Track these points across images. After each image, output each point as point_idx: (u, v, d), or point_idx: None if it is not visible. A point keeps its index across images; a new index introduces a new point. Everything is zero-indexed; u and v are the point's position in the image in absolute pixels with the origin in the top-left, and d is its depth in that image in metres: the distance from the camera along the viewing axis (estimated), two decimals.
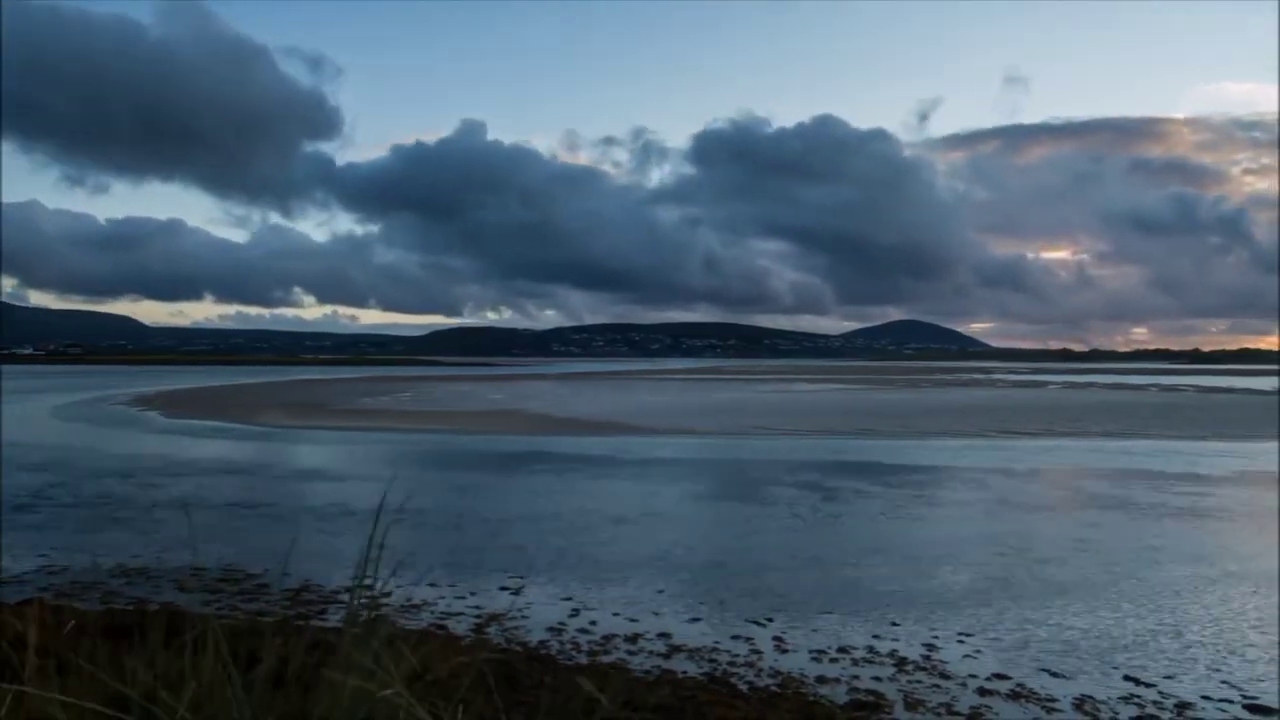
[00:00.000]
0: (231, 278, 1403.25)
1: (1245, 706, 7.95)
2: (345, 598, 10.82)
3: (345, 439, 33.14)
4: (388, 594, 10.90)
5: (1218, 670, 8.86)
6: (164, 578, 11.90)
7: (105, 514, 16.79)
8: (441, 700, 2.91)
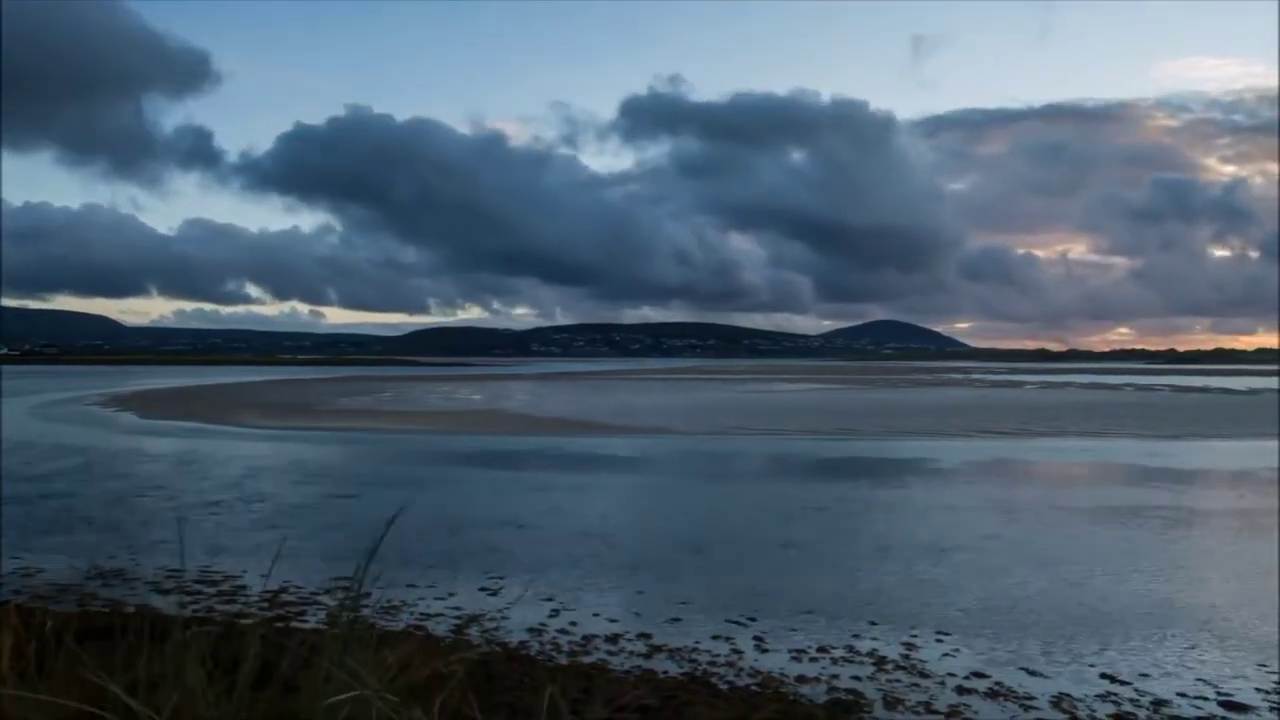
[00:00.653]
0: (172, 272, 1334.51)
1: (1220, 703, 8.03)
2: (325, 599, 10.78)
3: (325, 439, 33.00)
4: (367, 595, 10.86)
5: (1192, 667, 8.94)
6: (141, 580, 11.82)
7: (80, 516, 16.66)
8: (421, 702, 2.90)
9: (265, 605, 10.64)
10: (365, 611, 10.43)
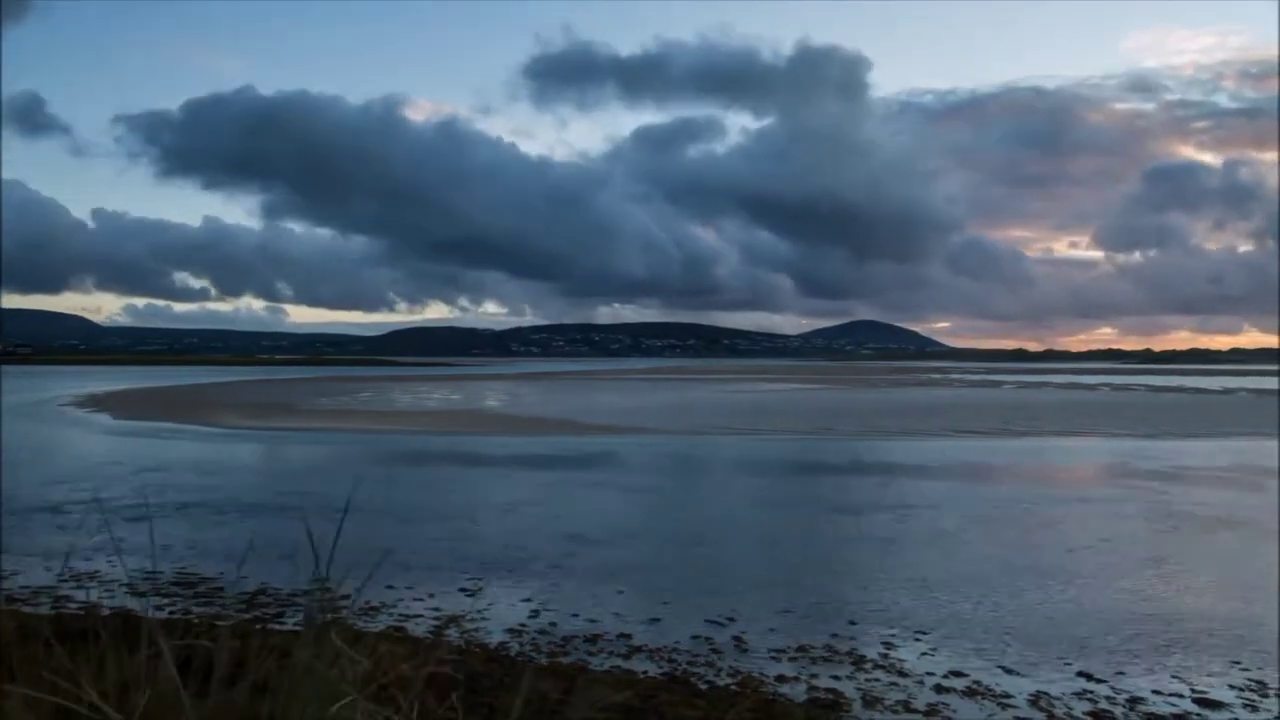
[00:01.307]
0: (112, 265, 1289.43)
1: (1195, 700, 8.10)
2: (302, 601, 10.72)
3: (303, 439, 32.83)
4: (345, 596, 10.81)
5: (1167, 665, 9.01)
6: (116, 582, 11.71)
7: (53, 518, 16.51)
8: (397, 703, 2.89)
9: (242, 607, 10.57)
10: (343, 613, 10.38)
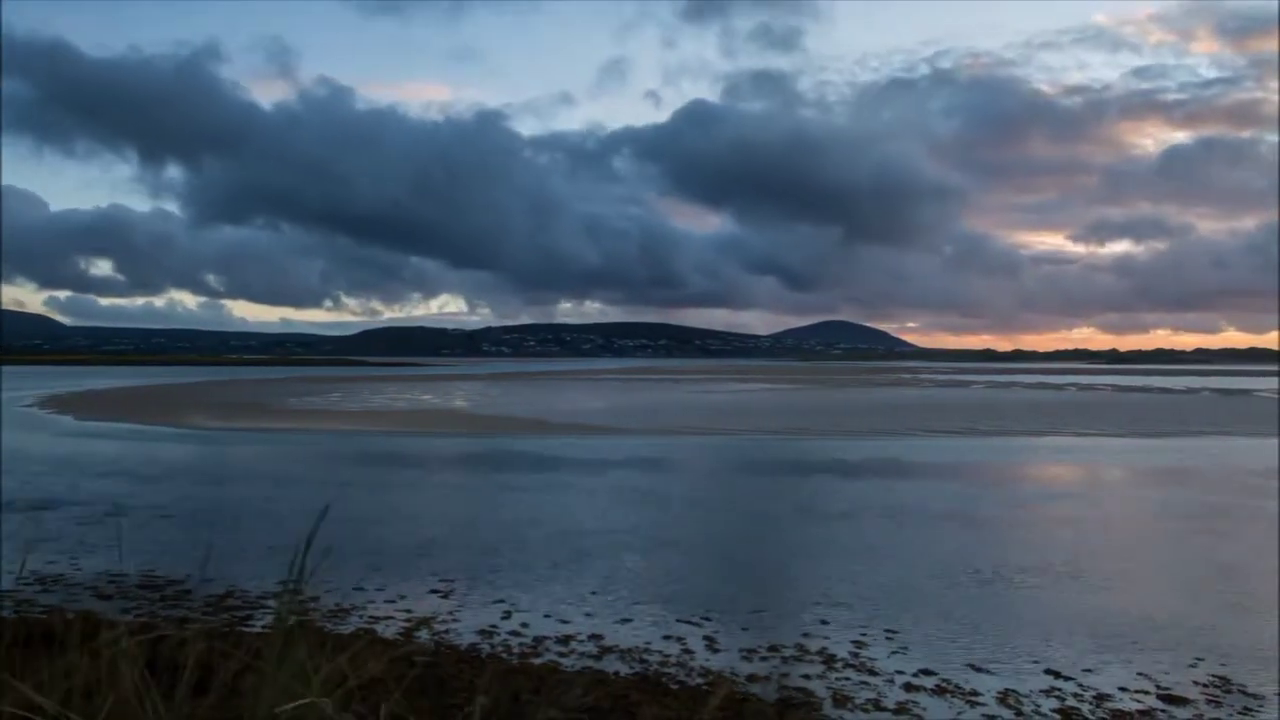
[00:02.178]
0: (37, 259, 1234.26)
1: (1159, 697, 8.19)
2: (271, 603, 10.63)
3: (272, 440, 32.58)
4: (315, 598, 10.73)
5: (1133, 662, 9.11)
6: (81, 585, 11.58)
7: (17, 520, 16.28)
8: (367, 705, 2.87)
9: (210, 610, 10.47)
10: (313, 615, 10.30)
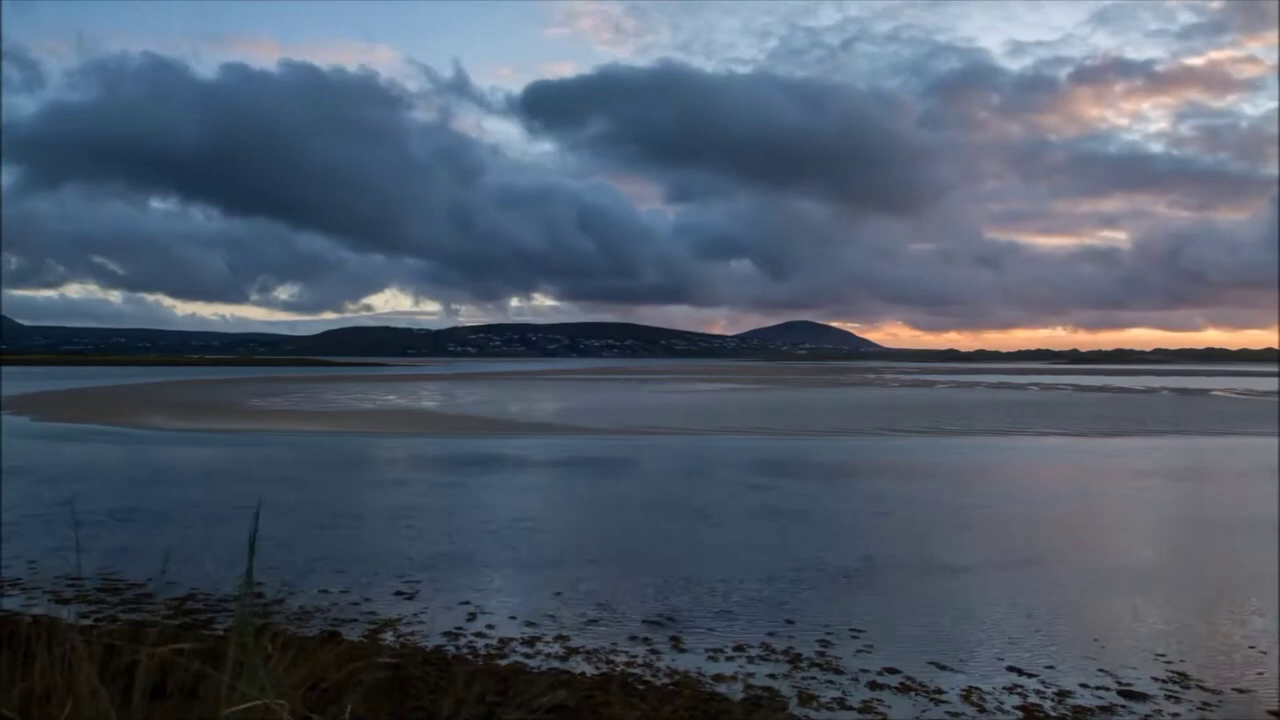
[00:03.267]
0: None
1: (1119, 692, 8.29)
2: (234, 606, 10.51)
3: (235, 441, 32.24)
4: (279, 601, 10.63)
5: (1093, 658, 9.22)
6: (39, 589, 11.39)
7: None
8: (329, 708, 2.84)
9: (170, 613, 10.34)
10: (276, 618, 10.22)
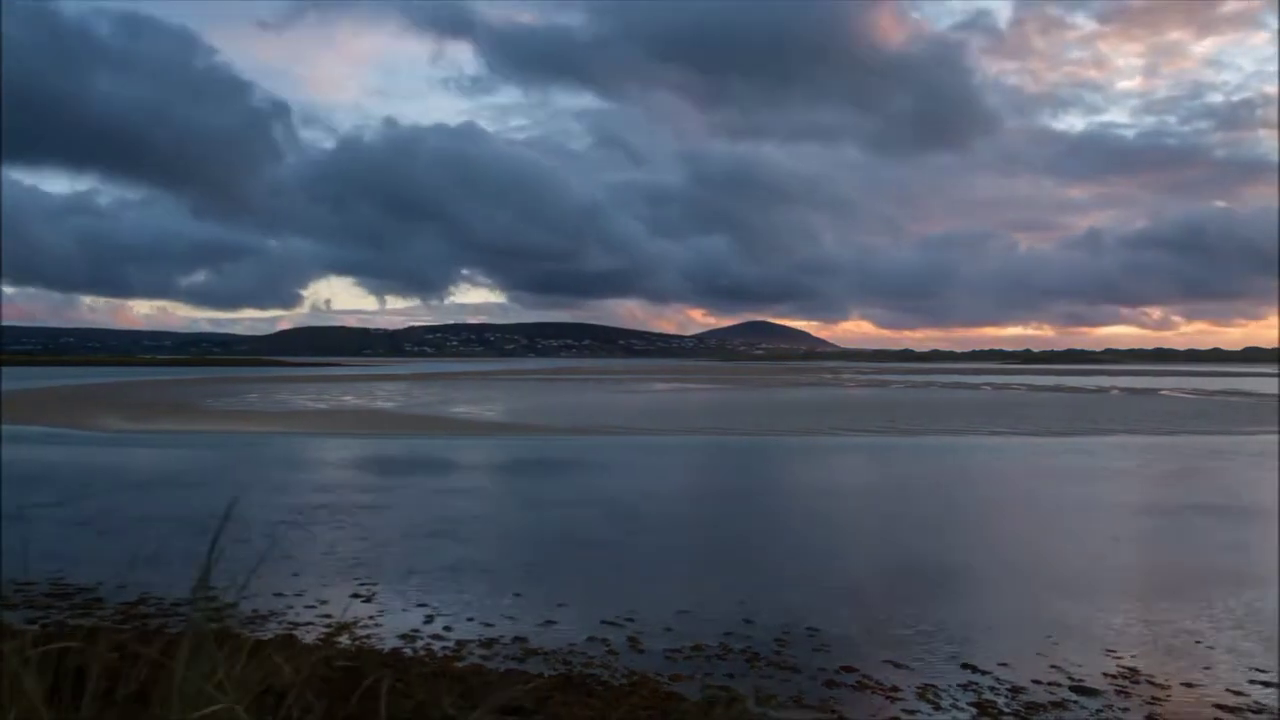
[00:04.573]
0: None
1: (1071, 689, 8.42)
2: (187, 610, 10.37)
3: (188, 443, 31.79)
4: (233, 604, 10.49)
5: (1046, 655, 9.35)
6: None
7: None
8: (281, 710, 2.81)
9: (121, 618, 10.18)
10: (229, 620, 10.09)
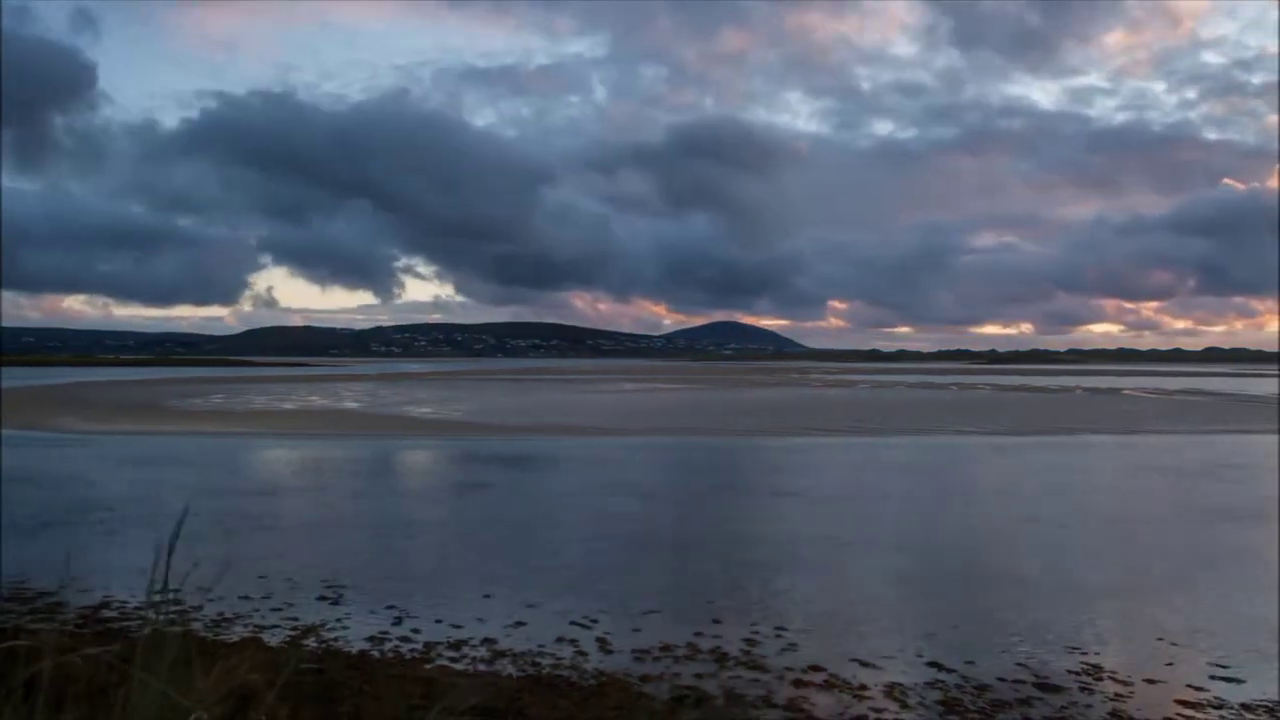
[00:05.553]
0: None
1: (1036, 685, 8.49)
2: (151, 614, 10.24)
3: (151, 444, 31.42)
4: (198, 607, 10.37)
5: (1009, 652, 9.43)
6: None
7: None
8: (245, 713, 2.78)
9: (83, 622, 10.04)
10: (195, 624, 9.97)
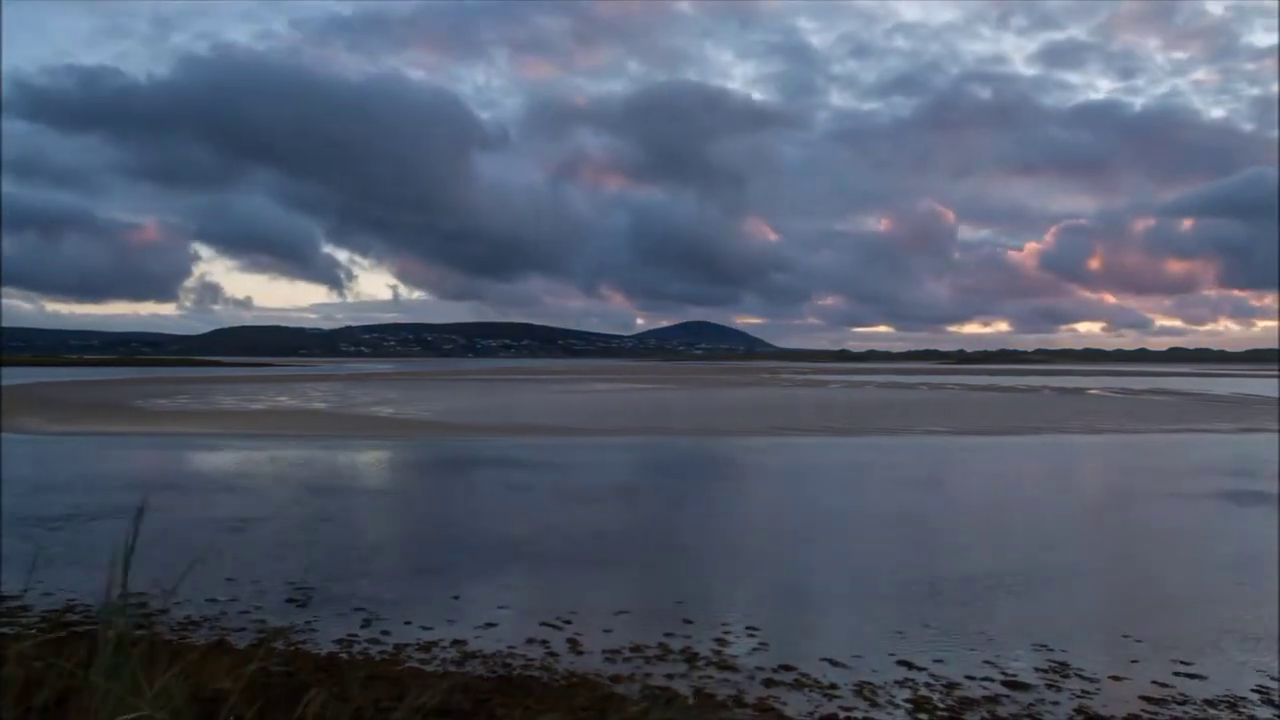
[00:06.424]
0: None
1: (1004, 683, 8.56)
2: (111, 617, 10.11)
3: (115, 444, 31.06)
4: (163, 610, 10.26)
5: (977, 650, 9.50)
6: None
7: None
8: (207, 716, 2.75)
9: (46, 625, 9.90)
10: (160, 628, 9.86)
